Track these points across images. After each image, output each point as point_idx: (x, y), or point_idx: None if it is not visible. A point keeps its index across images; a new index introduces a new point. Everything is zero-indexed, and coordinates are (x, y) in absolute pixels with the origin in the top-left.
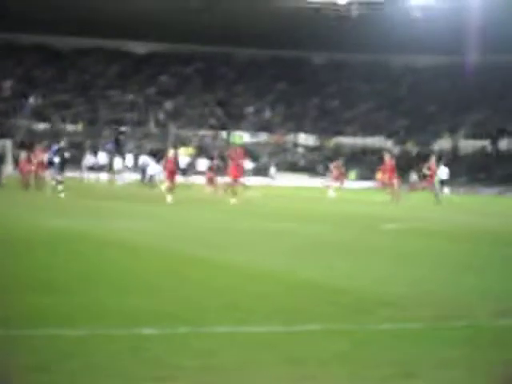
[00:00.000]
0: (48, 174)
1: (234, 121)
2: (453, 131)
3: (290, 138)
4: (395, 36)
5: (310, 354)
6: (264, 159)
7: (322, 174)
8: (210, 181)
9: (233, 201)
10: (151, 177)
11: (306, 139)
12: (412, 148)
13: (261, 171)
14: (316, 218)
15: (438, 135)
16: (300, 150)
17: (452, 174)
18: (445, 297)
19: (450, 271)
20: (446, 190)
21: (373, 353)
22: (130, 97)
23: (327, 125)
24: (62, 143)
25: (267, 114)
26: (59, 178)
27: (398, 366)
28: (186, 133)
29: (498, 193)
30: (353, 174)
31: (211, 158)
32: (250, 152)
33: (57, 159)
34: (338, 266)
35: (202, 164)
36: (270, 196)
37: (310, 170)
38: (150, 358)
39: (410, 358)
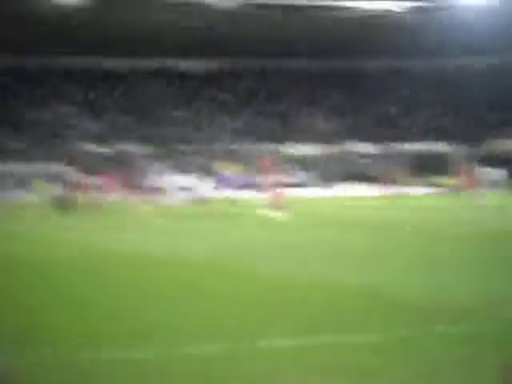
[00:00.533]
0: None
1: (288, 133)
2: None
3: (349, 147)
4: (450, 39)
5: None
6: (323, 170)
7: (385, 182)
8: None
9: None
10: None
11: (365, 147)
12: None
13: (319, 182)
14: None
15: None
16: (361, 158)
17: None
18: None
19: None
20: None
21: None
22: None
23: (388, 132)
24: None
25: (323, 125)
26: None
27: None
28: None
29: None
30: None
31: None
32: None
33: None
34: (387, 274)
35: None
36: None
37: (371, 178)
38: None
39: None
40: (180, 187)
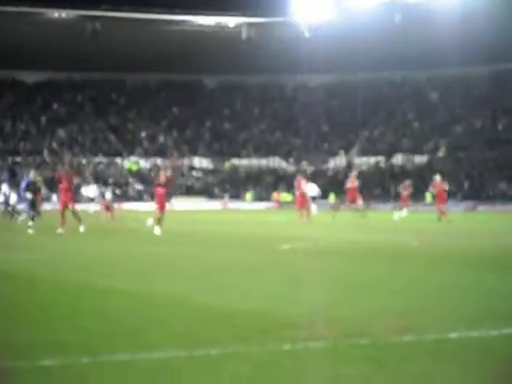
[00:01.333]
0: None
1: (128, 147)
2: (347, 149)
3: (185, 161)
4: (285, 56)
5: (211, 378)
6: None
7: (219, 197)
8: (107, 208)
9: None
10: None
11: (200, 162)
12: (307, 167)
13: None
14: (214, 242)
15: (332, 153)
16: (196, 173)
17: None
18: (344, 315)
19: (348, 290)
20: (314, 206)
21: (275, 374)
22: (23, 126)
23: (222, 147)
24: None
25: (161, 138)
26: None
27: None
28: (80, 160)
29: (393, 208)
30: (249, 195)
31: (106, 185)
32: (144, 177)
33: None
34: (232, 287)
35: (91, 191)
36: (168, 220)
37: (206, 192)
38: None
39: (313, 377)
40: None
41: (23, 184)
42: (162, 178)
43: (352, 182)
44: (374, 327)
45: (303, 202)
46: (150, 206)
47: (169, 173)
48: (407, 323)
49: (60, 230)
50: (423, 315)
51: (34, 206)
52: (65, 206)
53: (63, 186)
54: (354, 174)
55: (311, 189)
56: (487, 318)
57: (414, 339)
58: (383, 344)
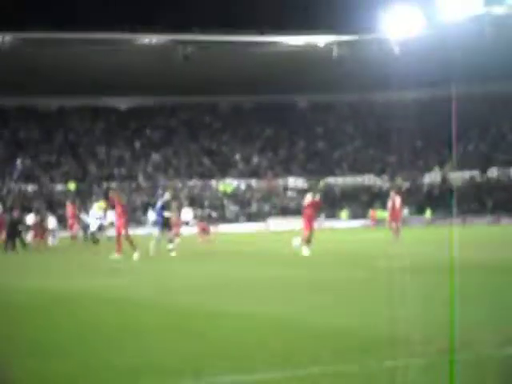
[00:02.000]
0: None
1: (222, 169)
2: (441, 164)
3: (279, 182)
4: (376, 73)
5: None
6: (255, 205)
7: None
8: (203, 230)
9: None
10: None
11: (295, 182)
12: (402, 183)
13: (254, 217)
14: (311, 261)
15: (427, 169)
16: (291, 193)
17: (444, 207)
18: (444, 331)
19: (443, 305)
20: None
21: None
22: (117, 152)
23: (316, 166)
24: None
25: (255, 159)
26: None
27: None
28: (175, 184)
29: (492, 221)
30: (344, 212)
31: (202, 208)
32: (239, 199)
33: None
34: (335, 306)
35: (188, 214)
36: (266, 241)
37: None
38: None
39: None
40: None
41: (158, 204)
42: (309, 199)
43: None
44: (474, 341)
45: (396, 218)
46: (249, 227)
47: (317, 196)
48: (508, 336)
49: (116, 256)
50: None
51: (166, 226)
52: (120, 232)
53: (117, 210)
54: None
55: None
56: None
57: None
58: (484, 358)
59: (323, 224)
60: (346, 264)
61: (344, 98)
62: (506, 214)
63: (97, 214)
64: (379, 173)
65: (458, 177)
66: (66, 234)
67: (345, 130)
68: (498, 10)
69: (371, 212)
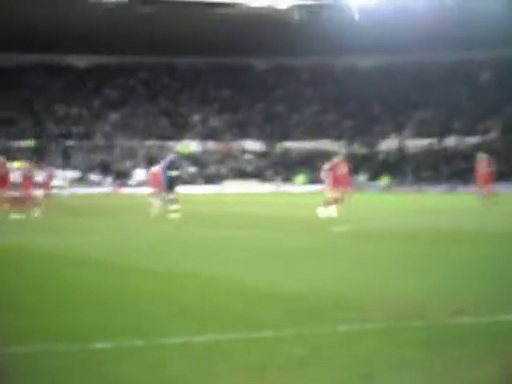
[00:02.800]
0: None
1: (179, 130)
2: (398, 131)
3: (236, 144)
4: (336, 38)
5: (267, 360)
6: (213, 167)
7: (271, 180)
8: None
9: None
10: None
11: (252, 145)
12: (359, 149)
13: (211, 179)
14: (267, 224)
15: (384, 135)
16: (247, 156)
17: (400, 174)
18: (400, 298)
19: (403, 272)
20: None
21: (330, 356)
22: (76, 110)
23: (273, 130)
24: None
25: (213, 121)
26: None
27: (356, 368)
28: (133, 144)
29: (447, 190)
30: (301, 177)
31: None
32: (197, 160)
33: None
34: (286, 270)
35: (141, 174)
36: (220, 203)
37: (258, 175)
38: (105, 373)
39: (368, 360)
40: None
41: (164, 163)
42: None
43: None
44: (428, 309)
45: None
46: (205, 189)
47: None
48: (461, 305)
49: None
50: (478, 297)
51: (172, 186)
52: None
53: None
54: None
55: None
56: None
57: (468, 321)
58: (438, 326)
59: (279, 188)
60: (299, 228)
61: (303, 62)
62: (461, 183)
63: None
64: (336, 138)
65: (415, 144)
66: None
67: (303, 94)
68: None
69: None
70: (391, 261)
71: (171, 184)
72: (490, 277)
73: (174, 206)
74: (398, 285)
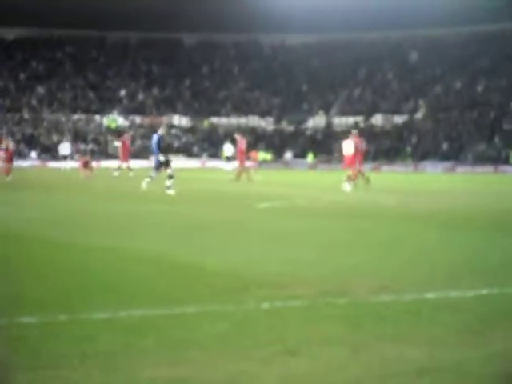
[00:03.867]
0: None
1: (106, 104)
2: (326, 109)
3: (163, 119)
4: (264, 16)
5: (190, 336)
6: (139, 142)
7: (198, 155)
8: (85, 165)
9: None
10: None
11: (179, 120)
12: (287, 126)
13: (137, 154)
14: (192, 200)
15: (311, 113)
16: (175, 131)
17: (327, 151)
18: (323, 274)
19: (327, 249)
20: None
21: (253, 333)
22: (1, 83)
23: (201, 106)
24: None
25: (140, 96)
26: None
27: (279, 345)
28: (60, 117)
29: (372, 168)
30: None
31: (85, 142)
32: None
33: None
34: (212, 246)
35: (65, 148)
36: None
37: (185, 151)
38: (30, 347)
39: (292, 336)
40: None
41: (155, 139)
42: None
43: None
44: (351, 286)
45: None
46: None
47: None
48: (385, 283)
49: None
50: (401, 275)
51: (163, 164)
52: None
53: None
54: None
55: (228, 149)
56: (465, 278)
57: (391, 299)
58: (360, 303)
59: (206, 163)
60: (224, 205)
61: (231, 39)
62: (386, 162)
63: None
64: (264, 114)
65: (342, 122)
66: None
67: (231, 71)
68: None
69: (253, 153)
70: (315, 237)
71: (159, 165)
72: (413, 254)
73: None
74: (321, 262)
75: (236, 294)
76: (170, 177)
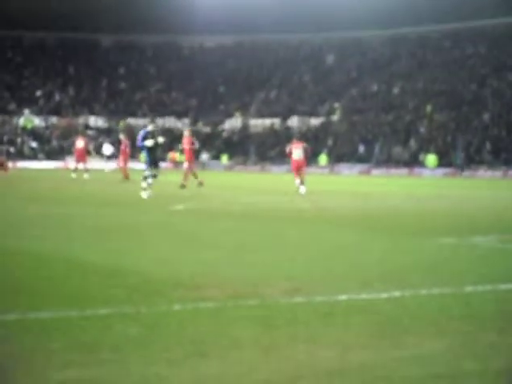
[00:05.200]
0: None
1: (22, 104)
2: (242, 110)
3: (80, 120)
4: (182, 17)
5: (102, 338)
6: (55, 142)
7: (114, 157)
8: (1, 165)
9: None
10: None
11: (96, 121)
12: (203, 128)
13: (53, 155)
14: (106, 202)
15: (228, 114)
16: (91, 132)
17: (243, 153)
18: (235, 276)
19: (239, 250)
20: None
21: (165, 334)
22: None
23: (117, 107)
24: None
25: (57, 97)
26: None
27: (190, 346)
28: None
29: (288, 170)
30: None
31: (1, 143)
32: (40, 135)
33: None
34: (125, 248)
35: None
36: (62, 179)
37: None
38: None
39: (203, 338)
40: None
41: (141, 134)
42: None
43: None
44: (263, 288)
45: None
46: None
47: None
48: (297, 285)
49: None
50: (313, 277)
51: (154, 160)
52: None
53: None
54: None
55: (106, 148)
56: (378, 280)
57: (303, 301)
58: (272, 305)
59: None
60: (138, 206)
61: (148, 40)
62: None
63: None
64: (180, 116)
65: (259, 124)
66: None
67: (148, 72)
68: None
69: (171, 154)
70: (229, 239)
71: (154, 160)
72: (327, 256)
73: (146, 183)
74: (234, 263)
75: (148, 295)
76: (145, 177)
